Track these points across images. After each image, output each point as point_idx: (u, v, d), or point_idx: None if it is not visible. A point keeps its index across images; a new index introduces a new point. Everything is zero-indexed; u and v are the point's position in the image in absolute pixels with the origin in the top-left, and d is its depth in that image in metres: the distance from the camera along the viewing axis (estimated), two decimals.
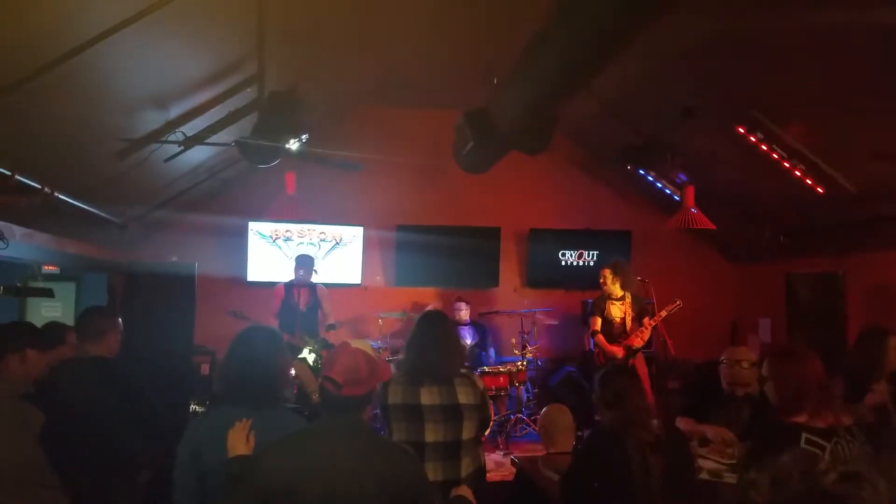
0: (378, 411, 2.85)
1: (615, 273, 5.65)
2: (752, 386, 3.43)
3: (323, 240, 7.24)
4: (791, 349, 2.74)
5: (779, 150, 5.00)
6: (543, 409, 3.79)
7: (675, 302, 5.57)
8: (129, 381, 2.93)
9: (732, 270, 7.97)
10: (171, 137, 4.02)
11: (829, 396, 2.43)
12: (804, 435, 2.25)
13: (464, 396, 2.76)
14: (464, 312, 6.77)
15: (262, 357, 2.24)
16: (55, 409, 2.53)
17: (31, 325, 3.04)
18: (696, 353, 6.59)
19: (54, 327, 3.25)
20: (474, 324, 6.91)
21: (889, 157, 4.33)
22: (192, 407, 5.17)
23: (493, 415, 4.59)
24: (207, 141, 4.02)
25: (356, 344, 2.00)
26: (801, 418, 2.32)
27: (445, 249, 7.25)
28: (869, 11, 3.29)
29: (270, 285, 6.23)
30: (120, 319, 3.13)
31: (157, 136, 4.05)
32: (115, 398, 2.75)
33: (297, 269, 6.01)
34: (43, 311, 7.16)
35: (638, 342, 5.53)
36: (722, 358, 3.60)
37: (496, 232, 7.51)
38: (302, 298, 5.96)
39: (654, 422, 2.62)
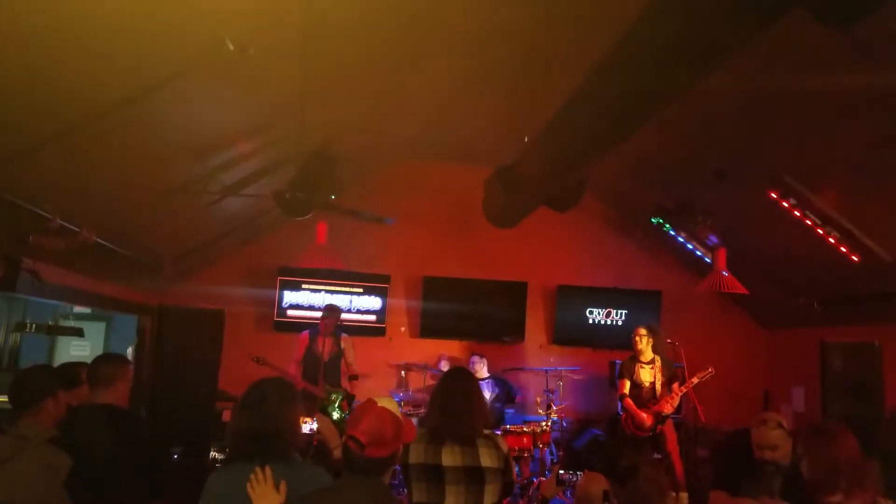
0: (399, 467, 2.80)
1: (649, 335, 5.61)
2: (780, 450, 3.33)
3: (350, 289, 7.29)
4: (824, 426, 2.72)
5: (812, 217, 4.93)
6: (580, 477, 3.67)
7: (708, 369, 5.43)
8: (134, 431, 2.91)
9: (765, 336, 7.75)
10: (211, 187, 4.14)
11: (864, 476, 2.38)
12: None
13: (487, 459, 2.70)
14: (478, 366, 6.68)
15: (270, 411, 2.17)
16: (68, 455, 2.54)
17: (52, 368, 3.09)
18: (727, 420, 6.34)
19: (71, 367, 3.32)
20: (494, 377, 6.80)
21: None
22: (213, 454, 5.13)
23: (516, 477, 4.45)
24: (244, 192, 4.13)
25: (382, 402, 1.97)
26: (836, 498, 2.28)
27: (472, 302, 7.27)
28: None
29: (297, 330, 6.27)
30: (131, 367, 3.12)
31: (196, 184, 4.17)
32: (119, 447, 2.74)
33: (323, 318, 6.04)
34: (72, 350, 7.23)
35: (667, 408, 5.39)
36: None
37: (523, 287, 7.48)
38: (326, 347, 5.95)
39: (683, 494, 2.51)
